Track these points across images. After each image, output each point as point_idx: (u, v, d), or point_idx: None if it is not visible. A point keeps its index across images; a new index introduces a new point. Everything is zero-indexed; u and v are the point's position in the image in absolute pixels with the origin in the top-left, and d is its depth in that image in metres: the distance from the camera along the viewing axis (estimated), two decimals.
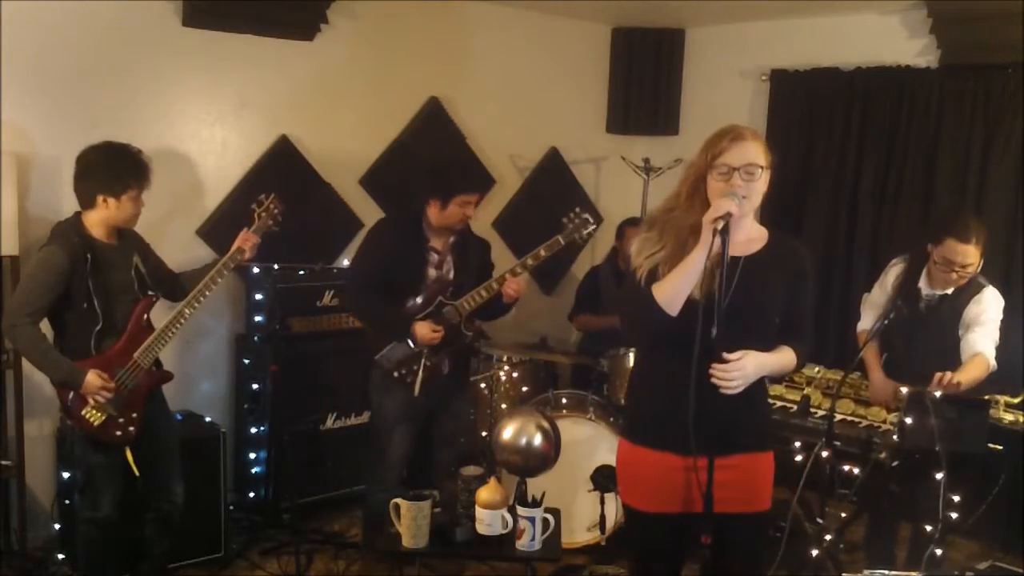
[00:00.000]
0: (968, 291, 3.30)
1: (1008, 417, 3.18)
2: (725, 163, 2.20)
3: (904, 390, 3.14)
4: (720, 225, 2.09)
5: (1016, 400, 3.19)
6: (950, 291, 3.31)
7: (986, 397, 3.14)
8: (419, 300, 3.43)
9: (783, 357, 2.32)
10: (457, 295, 3.44)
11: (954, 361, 3.25)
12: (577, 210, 3.55)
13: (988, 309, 3.27)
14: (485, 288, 3.40)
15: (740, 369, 2.16)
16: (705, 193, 2.24)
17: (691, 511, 2.29)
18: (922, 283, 3.39)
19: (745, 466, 2.30)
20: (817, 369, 3.64)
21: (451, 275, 3.48)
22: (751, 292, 2.21)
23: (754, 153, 2.20)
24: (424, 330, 3.34)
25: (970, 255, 3.19)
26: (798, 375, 3.64)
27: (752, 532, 2.39)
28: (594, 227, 3.50)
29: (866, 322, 3.59)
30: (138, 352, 3.06)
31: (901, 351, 3.46)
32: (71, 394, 2.95)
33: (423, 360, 3.41)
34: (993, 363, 3.24)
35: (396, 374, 3.42)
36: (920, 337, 3.38)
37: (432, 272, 3.46)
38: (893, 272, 3.53)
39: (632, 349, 4.14)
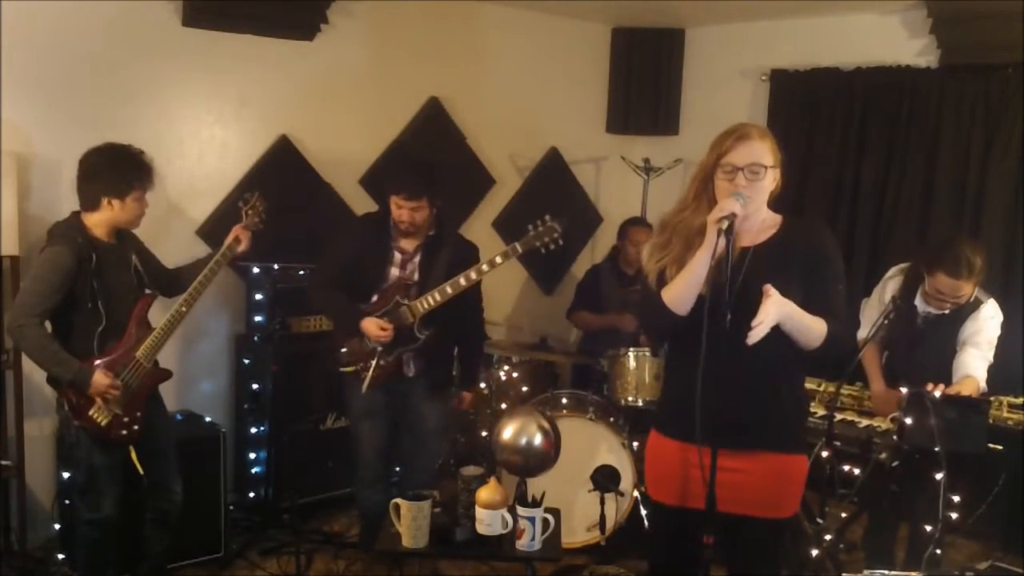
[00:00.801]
0: (967, 307, 3.27)
1: (1014, 417, 3.17)
2: (730, 162, 2.19)
3: (904, 391, 3.14)
4: (724, 225, 2.09)
5: (1019, 400, 3.19)
6: (947, 311, 3.30)
7: (990, 398, 3.13)
8: (379, 298, 3.42)
9: (815, 319, 2.18)
10: (418, 296, 3.39)
11: (951, 380, 3.25)
12: (547, 217, 3.35)
13: (985, 328, 3.25)
14: (439, 291, 3.34)
15: (761, 319, 2.07)
16: (713, 193, 2.24)
17: (700, 507, 2.26)
18: (918, 301, 3.37)
19: (765, 467, 2.25)
20: (819, 383, 3.63)
21: (415, 276, 3.44)
22: (760, 280, 2.18)
23: (759, 152, 2.20)
24: (371, 327, 3.33)
25: (961, 289, 3.17)
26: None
27: (766, 538, 2.32)
28: (559, 234, 3.33)
29: (867, 331, 3.58)
30: (140, 350, 3.07)
31: (901, 361, 3.45)
32: (76, 395, 2.95)
33: (376, 358, 3.40)
34: (983, 385, 3.20)
35: (352, 368, 3.44)
36: (919, 349, 3.38)
37: (395, 272, 3.44)
38: (891, 285, 3.51)
39: (631, 348, 4.15)
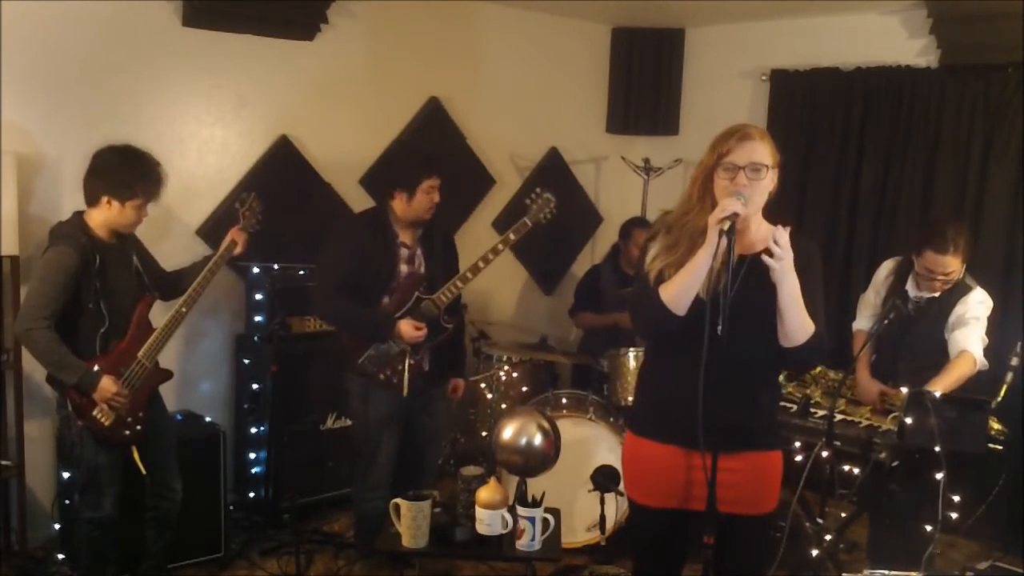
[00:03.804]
0: (956, 293, 3.36)
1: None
2: (731, 162, 2.20)
3: (904, 390, 3.15)
4: (726, 226, 2.09)
5: (990, 403, 3.19)
6: (937, 294, 3.37)
7: (989, 399, 3.13)
8: (394, 297, 3.39)
9: (807, 316, 2.21)
10: (431, 289, 3.41)
11: (940, 361, 3.30)
12: (538, 190, 3.50)
13: (973, 309, 3.33)
14: (460, 279, 3.38)
15: (788, 248, 2.11)
16: (714, 193, 2.24)
17: (691, 508, 2.30)
18: (909, 286, 3.45)
19: (751, 466, 2.30)
20: (819, 368, 3.65)
21: (423, 269, 3.45)
22: (756, 291, 2.20)
23: (760, 152, 2.20)
24: (408, 328, 3.31)
25: (950, 265, 3.27)
26: (807, 374, 3.66)
27: (756, 534, 2.38)
28: (555, 204, 3.48)
29: (860, 322, 3.65)
30: (142, 351, 3.07)
31: (889, 351, 3.49)
32: (79, 395, 2.95)
33: (407, 359, 3.39)
34: (982, 360, 3.28)
35: (382, 376, 3.39)
36: (908, 338, 3.43)
37: (404, 268, 3.42)
38: (883, 273, 3.60)
39: (631, 348, 4.15)
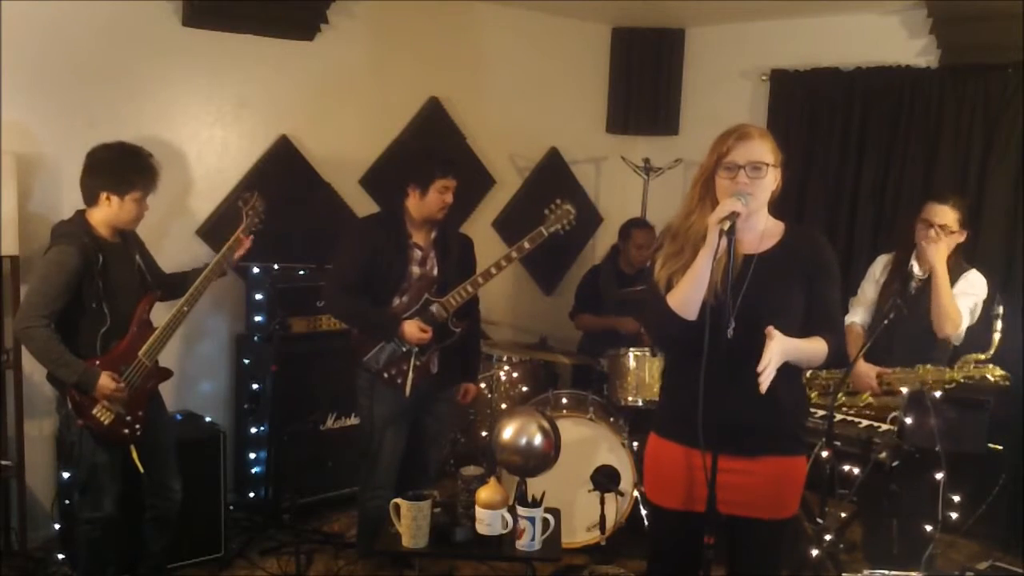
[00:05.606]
0: (953, 274, 3.36)
1: (989, 377, 3.20)
2: (732, 161, 2.20)
3: (900, 381, 3.15)
4: (726, 226, 2.09)
5: (983, 356, 3.21)
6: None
7: (989, 399, 3.13)
8: (405, 299, 3.40)
9: (814, 344, 2.23)
10: (442, 291, 3.41)
11: (935, 343, 3.32)
12: (558, 201, 3.48)
13: (965, 288, 3.37)
14: (471, 284, 3.39)
15: (766, 363, 2.09)
16: (716, 195, 2.24)
17: (700, 510, 2.27)
18: (913, 261, 3.47)
19: (764, 469, 2.27)
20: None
21: (435, 272, 3.45)
22: (765, 289, 2.19)
23: (760, 151, 2.20)
24: (412, 330, 3.32)
25: (947, 215, 3.33)
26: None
27: (772, 538, 2.34)
28: (574, 215, 3.46)
29: (855, 315, 3.64)
30: (142, 350, 3.07)
31: (884, 335, 3.48)
32: (79, 394, 2.95)
33: (412, 360, 3.39)
34: (961, 334, 3.33)
35: (386, 375, 3.40)
36: (905, 320, 3.41)
37: (416, 270, 3.43)
38: (880, 264, 3.62)
39: (631, 349, 4.15)
